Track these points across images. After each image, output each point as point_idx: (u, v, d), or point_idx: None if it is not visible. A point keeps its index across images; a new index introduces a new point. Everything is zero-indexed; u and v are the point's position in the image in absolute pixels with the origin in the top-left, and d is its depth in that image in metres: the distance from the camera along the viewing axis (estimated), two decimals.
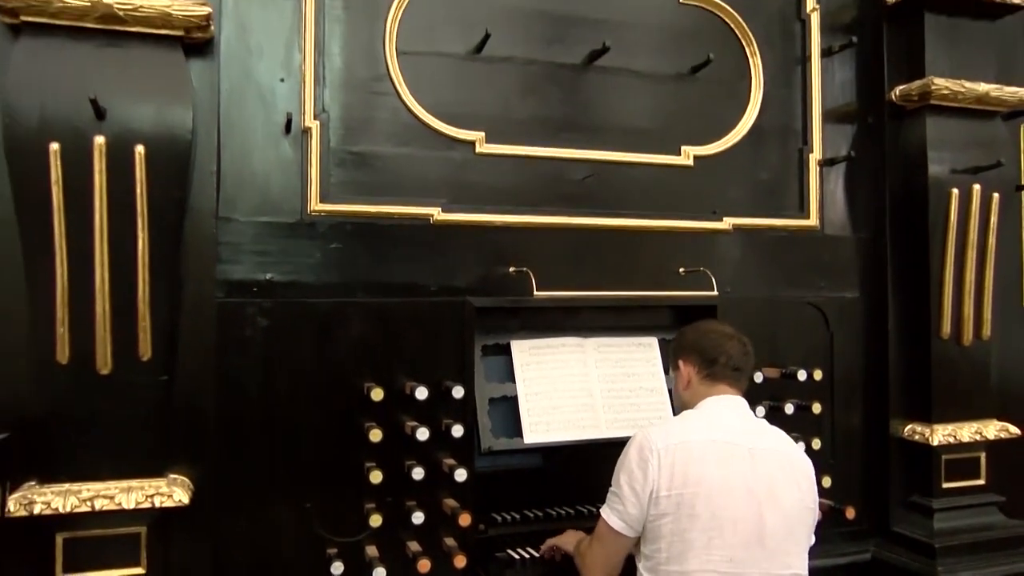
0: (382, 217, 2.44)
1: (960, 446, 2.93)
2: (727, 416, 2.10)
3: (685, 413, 2.17)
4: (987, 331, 3.01)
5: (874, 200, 3.04)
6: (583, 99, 2.70)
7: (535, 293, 2.45)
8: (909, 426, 2.95)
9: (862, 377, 2.99)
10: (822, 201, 2.99)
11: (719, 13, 2.89)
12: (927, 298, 2.93)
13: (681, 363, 2.22)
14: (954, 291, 2.95)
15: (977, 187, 2.95)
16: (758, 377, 2.69)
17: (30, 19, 1.99)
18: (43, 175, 1.98)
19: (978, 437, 2.95)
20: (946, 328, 2.94)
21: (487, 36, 2.49)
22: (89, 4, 1.98)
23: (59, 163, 1.98)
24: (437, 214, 2.49)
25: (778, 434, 2.13)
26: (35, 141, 1.98)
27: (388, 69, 2.47)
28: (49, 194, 1.99)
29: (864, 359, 3.00)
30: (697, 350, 2.18)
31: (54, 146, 1.97)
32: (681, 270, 2.75)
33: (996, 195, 2.99)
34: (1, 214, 2.03)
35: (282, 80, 2.34)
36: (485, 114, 2.58)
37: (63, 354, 2.03)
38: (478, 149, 2.56)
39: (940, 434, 2.89)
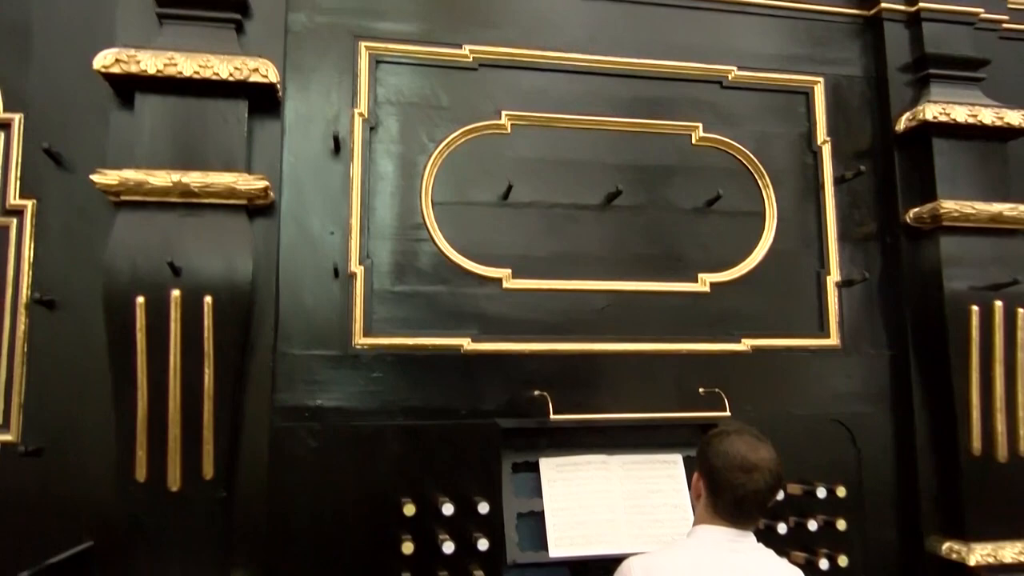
0: (418, 348, 2.74)
1: (1002, 567, 2.89)
2: (715, 552, 1.96)
3: (677, 541, 2.15)
4: None
5: (895, 318, 3.14)
6: (602, 235, 2.97)
7: (552, 416, 2.66)
8: (947, 544, 2.95)
9: (894, 493, 3.03)
10: (842, 321, 3.11)
11: (732, 152, 3.14)
12: (953, 415, 2.98)
13: (696, 474, 2.09)
14: (982, 407, 2.98)
15: (999, 303, 3.02)
16: (779, 495, 2.79)
17: (128, 198, 2.47)
18: (130, 323, 2.40)
19: (1023, 558, 2.91)
20: (976, 444, 2.96)
21: (510, 187, 2.83)
22: (171, 184, 2.44)
23: (143, 313, 2.40)
24: (467, 344, 2.78)
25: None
26: (126, 295, 2.41)
27: (424, 218, 2.83)
28: (134, 338, 2.40)
29: (895, 475, 3.04)
30: (709, 472, 2.01)
31: (140, 299, 2.40)
32: (701, 390, 2.92)
33: (1021, 311, 3.04)
34: (97, 356, 2.45)
35: (332, 233, 2.73)
36: (511, 253, 2.89)
37: (141, 473, 2.40)
38: (505, 285, 2.86)
39: (978, 553, 2.88)
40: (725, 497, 1.95)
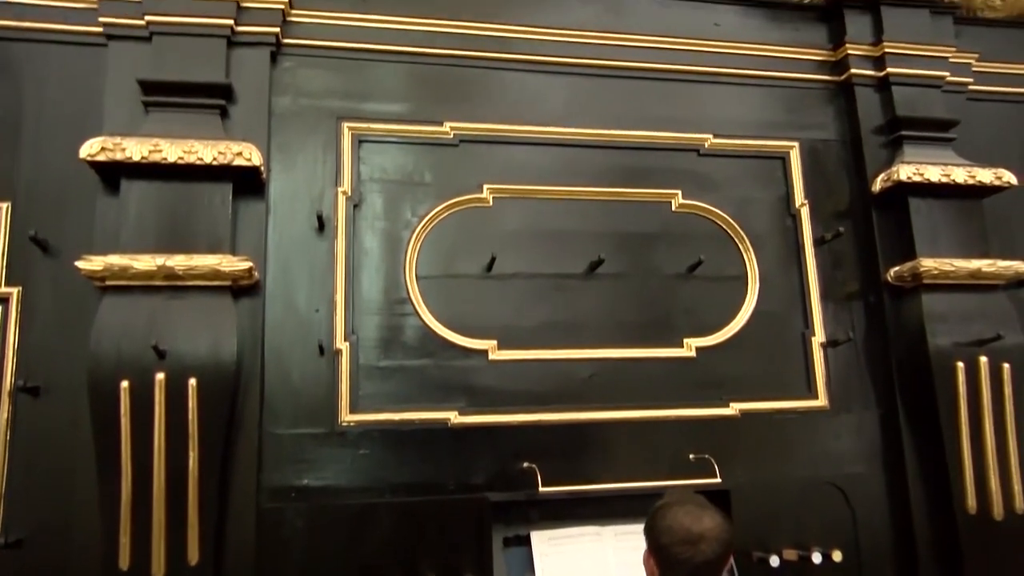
0: (405, 423, 2.73)
1: None
2: None
3: None
4: (1020, 504, 2.99)
5: (882, 376, 3.15)
6: (586, 303, 2.99)
7: (541, 488, 2.64)
8: None
9: (891, 555, 2.99)
10: (829, 381, 3.12)
11: (712, 217, 3.18)
12: (947, 472, 2.96)
13: (646, 551, 2.04)
14: (975, 464, 2.97)
15: (984, 359, 3.04)
16: (774, 561, 2.77)
17: (113, 283, 2.49)
18: (115, 407, 2.40)
19: None
20: (971, 502, 2.94)
21: (494, 258, 2.86)
22: (156, 268, 2.46)
23: (128, 397, 2.40)
24: (455, 417, 2.77)
25: None
26: (111, 379, 2.41)
27: (409, 293, 2.85)
28: (119, 423, 2.39)
29: (891, 536, 3.01)
30: (657, 550, 1.97)
31: (124, 383, 2.40)
32: (691, 456, 2.90)
33: (1007, 365, 3.06)
34: (82, 443, 2.43)
35: (317, 310, 2.75)
36: (497, 324, 2.90)
37: (124, 561, 2.36)
38: (491, 356, 2.86)
39: None
40: (677, 572, 1.93)
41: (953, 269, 3.08)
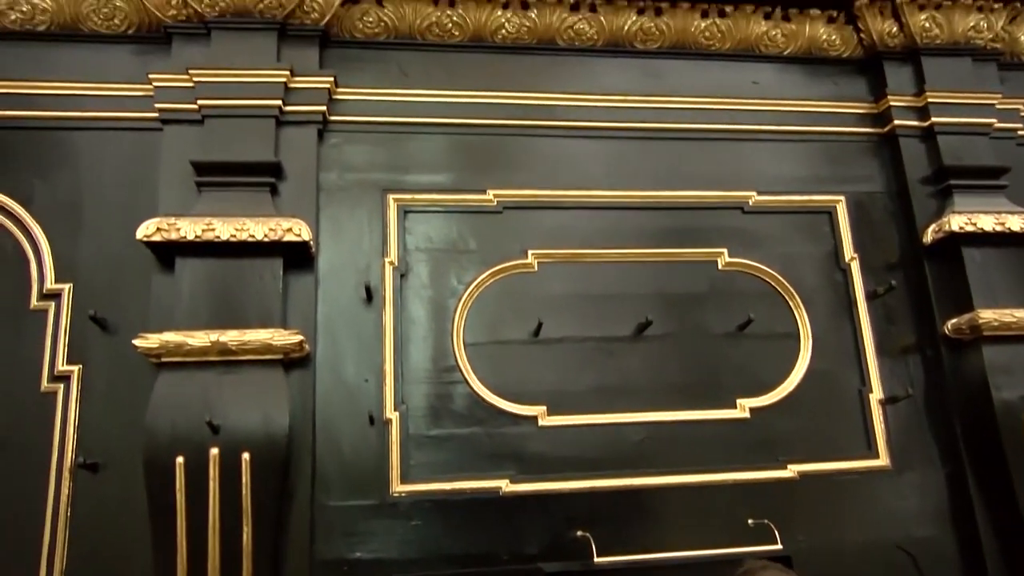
0: (456, 493, 2.71)
1: None
2: None
3: None
4: None
5: (946, 432, 3.04)
6: (635, 366, 2.96)
7: (596, 559, 2.59)
8: None
9: None
10: (890, 439, 3.02)
11: (759, 275, 3.15)
12: (1023, 531, 2.83)
13: None
14: None
15: None
16: None
17: (168, 359, 2.54)
18: (170, 483, 2.43)
19: None
20: None
21: (540, 324, 2.86)
22: (209, 344, 2.51)
23: (183, 473, 2.43)
24: (506, 486, 2.74)
25: None
26: (166, 455, 2.45)
27: (457, 360, 2.86)
28: (174, 498, 2.42)
29: None
30: None
31: (180, 459, 2.43)
32: (750, 521, 2.82)
33: None
34: (139, 518, 2.46)
35: (366, 380, 2.76)
36: (546, 389, 2.88)
37: None
38: (540, 422, 2.84)
39: None
40: None
41: (1015, 320, 2.99)
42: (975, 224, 3.10)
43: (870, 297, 3.18)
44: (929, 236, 3.18)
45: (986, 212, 3.15)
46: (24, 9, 2.91)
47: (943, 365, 3.09)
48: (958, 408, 3.04)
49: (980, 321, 2.97)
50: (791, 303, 3.14)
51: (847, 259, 3.22)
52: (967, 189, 3.25)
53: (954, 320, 3.08)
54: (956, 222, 3.09)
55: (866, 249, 3.25)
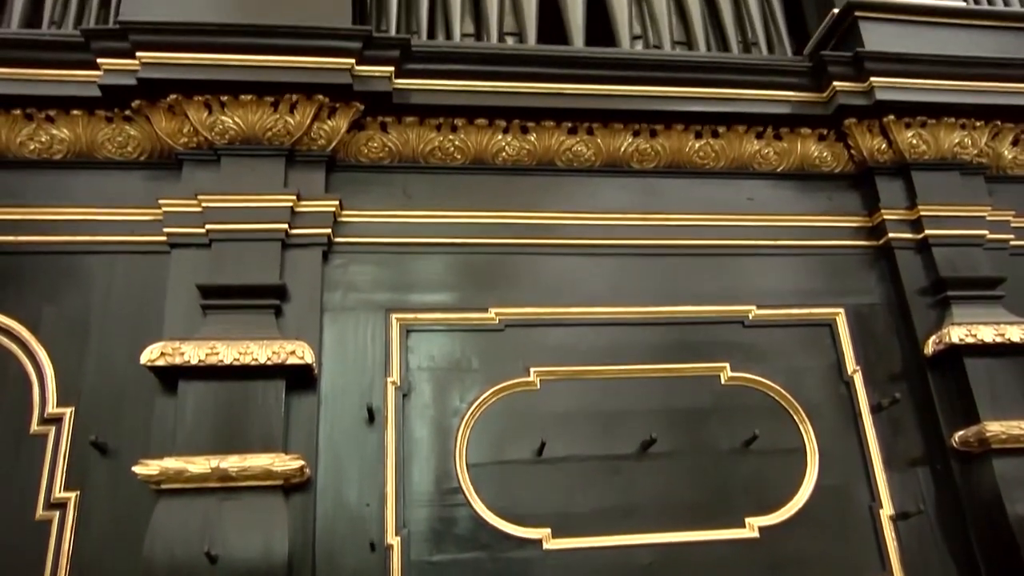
0: None
1: None
2: None
3: None
4: None
5: (961, 548, 2.96)
6: (641, 485, 2.91)
7: None
8: None
9: None
10: (904, 556, 2.94)
11: (762, 389, 3.14)
12: None
13: None
14: None
15: None
16: None
17: (168, 486, 2.51)
18: None
19: None
20: None
21: (543, 443, 2.84)
22: (210, 470, 2.49)
23: None
24: None
25: None
26: None
27: (460, 482, 2.82)
28: None
29: None
30: None
31: None
32: None
33: None
34: None
35: (368, 505, 2.72)
36: (550, 511, 2.83)
37: None
38: (545, 545, 2.78)
39: None
40: None
41: (1023, 432, 2.96)
42: (975, 335, 3.11)
43: (875, 410, 3.16)
44: (930, 348, 3.18)
45: (985, 323, 3.16)
46: (43, 139, 3.02)
47: (954, 478, 3.04)
48: (973, 523, 2.97)
49: (988, 434, 2.94)
50: (796, 417, 3.12)
51: (850, 371, 3.22)
52: (965, 300, 3.27)
53: (961, 432, 3.05)
54: (956, 334, 3.10)
55: (868, 361, 3.25)
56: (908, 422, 3.18)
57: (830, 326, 3.29)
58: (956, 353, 3.13)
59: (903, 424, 3.17)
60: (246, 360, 2.63)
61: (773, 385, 3.14)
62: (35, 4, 3.53)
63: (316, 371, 2.77)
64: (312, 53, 2.96)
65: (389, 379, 2.89)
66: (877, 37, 3.45)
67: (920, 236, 3.37)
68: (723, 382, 3.12)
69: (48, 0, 3.52)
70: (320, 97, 2.99)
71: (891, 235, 3.38)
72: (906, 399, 3.18)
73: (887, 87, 3.36)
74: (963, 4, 3.74)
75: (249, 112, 2.96)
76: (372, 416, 2.81)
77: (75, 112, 3.02)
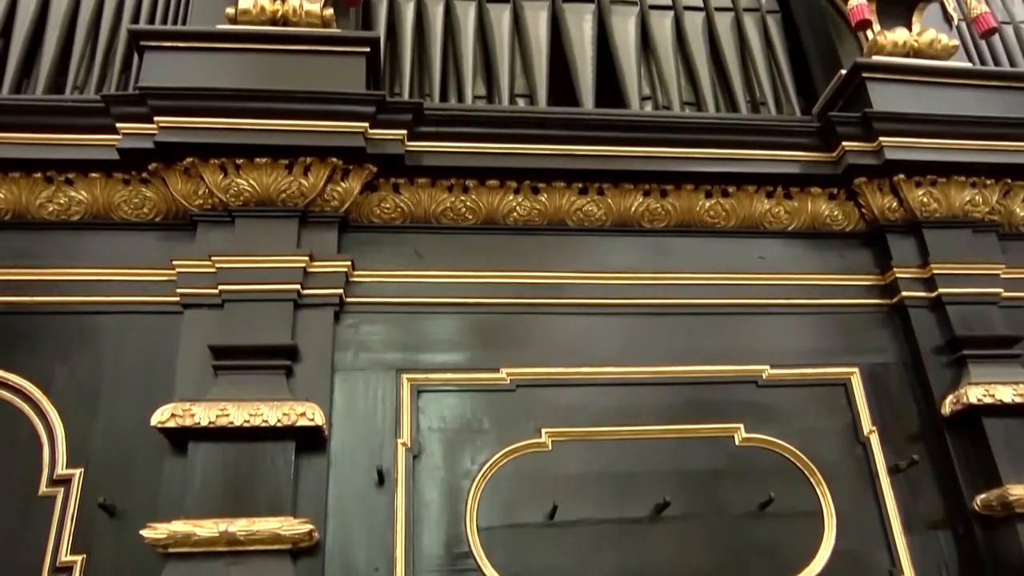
0: None
1: None
2: None
3: None
4: None
5: None
6: (655, 549, 2.85)
7: None
8: None
9: None
10: None
11: (777, 450, 3.09)
12: None
13: None
14: None
15: None
16: None
17: (175, 549, 2.48)
18: None
19: None
20: None
21: (555, 507, 2.80)
22: (218, 534, 2.47)
23: None
24: None
25: None
26: None
27: (471, 546, 2.77)
28: None
29: None
30: None
31: None
32: None
33: None
34: None
35: (376, 570, 2.67)
36: (563, 574, 2.77)
37: None
38: None
39: None
40: None
41: None
42: (993, 396, 3.07)
43: (893, 472, 3.10)
44: (947, 408, 3.14)
45: (1003, 383, 3.12)
46: (62, 201, 3.07)
47: (977, 543, 2.96)
48: None
49: (1011, 498, 2.88)
50: (812, 479, 3.07)
51: (866, 432, 3.17)
52: (982, 359, 3.24)
53: (983, 495, 2.98)
54: (974, 394, 3.06)
55: (884, 421, 3.20)
56: (927, 484, 3.12)
57: (845, 386, 3.25)
58: (974, 413, 3.08)
59: (922, 486, 3.11)
60: (256, 422, 2.62)
61: (788, 446, 3.10)
62: (61, 68, 3.63)
63: (326, 432, 2.76)
64: (326, 117, 3.02)
65: (400, 440, 2.87)
66: (885, 97, 3.48)
67: (934, 294, 3.35)
68: (738, 443, 3.08)
69: (73, 65, 3.61)
70: (334, 160, 3.03)
71: (904, 293, 3.36)
72: (924, 460, 3.12)
73: (896, 146, 3.38)
74: (968, 65, 3.79)
75: (264, 174, 3.01)
76: (382, 478, 2.78)
77: (93, 174, 3.08)
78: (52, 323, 2.95)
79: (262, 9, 3.22)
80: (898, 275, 3.38)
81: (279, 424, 2.62)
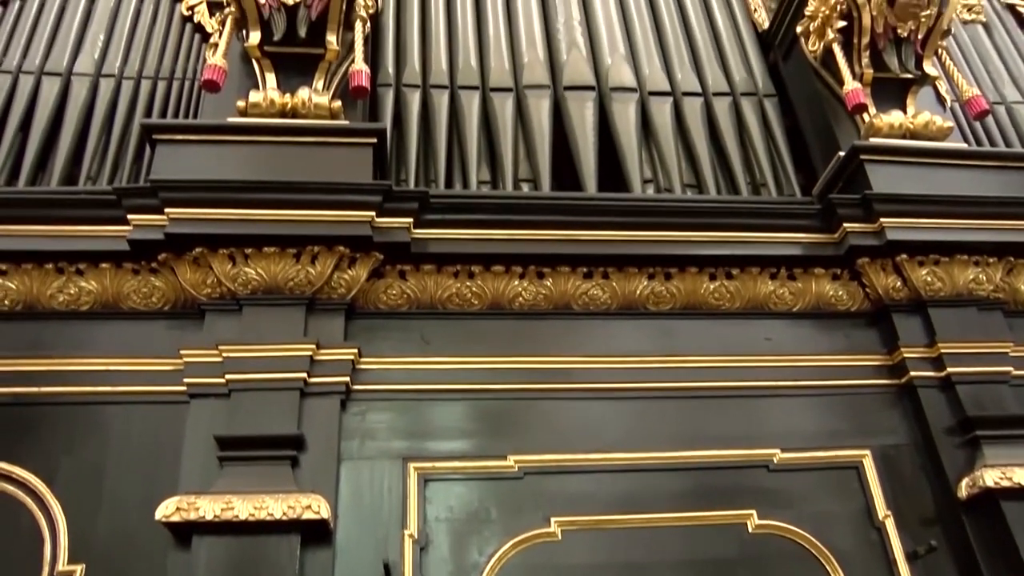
0: None
1: None
2: None
3: None
4: None
5: None
6: None
7: None
8: None
9: None
10: None
11: (791, 536, 3.03)
12: None
13: None
14: None
15: None
16: None
17: None
18: None
19: None
20: None
21: None
22: None
23: None
24: None
25: None
26: None
27: None
28: None
29: None
30: None
31: None
32: None
33: None
34: None
35: None
36: None
37: None
38: None
39: None
40: None
41: None
42: (1010, 478, 3.01)
43: (911, 558, 3.03)
44: (964, 491, 3.08)
45: (1020, 465, 3.07)
46: (72, 291, 3.10)
47: None
48: None
49: None
50: (828, 567, 2.99)
51: (881, 517, 3.11)
52: (996, 440, 3.19)
53: None
54: (990, 477, 3.01)
55: (900, 505, 3.14)
56: (947, 571, 3.04)
57: (857, 468, 3.20)
58: (992, 497, 3.02)
59: (941, 572, 3.03)
60: (261, 515, 2.58)
61: (803, 533, 3.03)
62: (75, 159, 3.72)
63: (332, 525, 2.71)
64: (334, 207, 3.07)
65: (406, 531, 2.82)
66: (883, 178, 3.53)
67: (943, 374, 3.33)
68: (751, 530, 3.02)
69: (87, 157, 3.70)
70: (341, 248, 3.07)
71: (913, 373, 3.34)
72: (943, 546, 3.05)
73: (897, 227, 3.41)
74: (964, 146, 3.85)
75: (272, 263, 3.04)
76: (388, 572, 2.72)
77: (104, 265, 3.12)
78: (58, 414, 2.94)
79: (272, 102, 3.30)
80: (906, 355, 3.37)
81: (284, 517, 2.59)
